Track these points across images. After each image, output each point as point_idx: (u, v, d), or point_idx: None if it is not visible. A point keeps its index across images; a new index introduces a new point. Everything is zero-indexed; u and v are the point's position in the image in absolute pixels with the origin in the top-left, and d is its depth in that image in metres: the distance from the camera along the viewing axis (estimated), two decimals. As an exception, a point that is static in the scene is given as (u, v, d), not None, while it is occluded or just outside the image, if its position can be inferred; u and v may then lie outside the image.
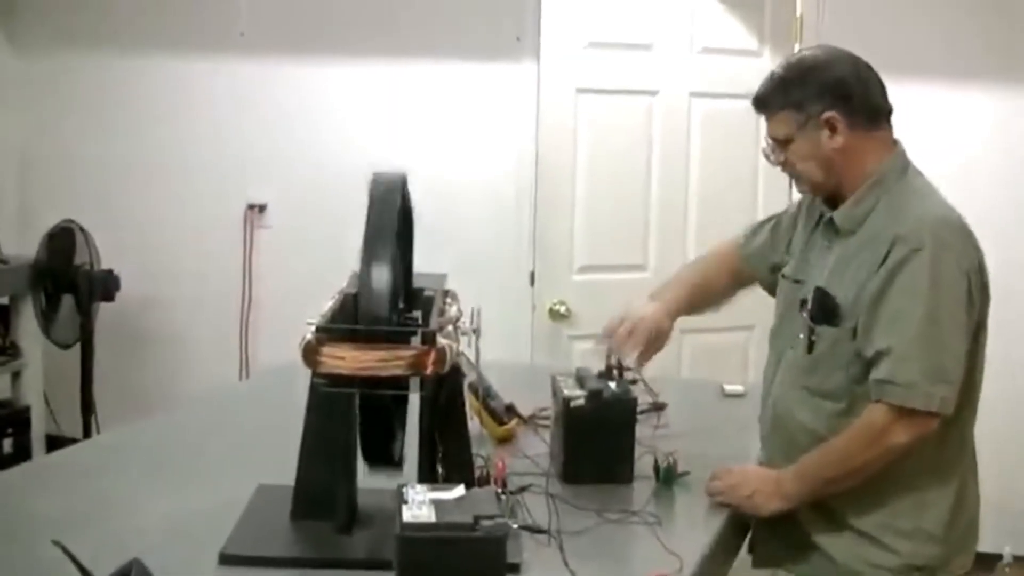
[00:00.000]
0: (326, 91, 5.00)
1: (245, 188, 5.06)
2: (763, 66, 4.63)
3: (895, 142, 2.59)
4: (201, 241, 5.12)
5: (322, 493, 2.18)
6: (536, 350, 4.61)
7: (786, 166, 2.60)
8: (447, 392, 2.26)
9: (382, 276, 2.04)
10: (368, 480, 2.19)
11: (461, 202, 4.85)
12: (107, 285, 4.82)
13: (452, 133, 4.96)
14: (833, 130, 2.50)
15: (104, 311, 4.91)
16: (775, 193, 4.74)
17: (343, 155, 4.88)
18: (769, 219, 2.95)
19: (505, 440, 2.81)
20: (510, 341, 4.57)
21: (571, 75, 4.56)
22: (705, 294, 3.01)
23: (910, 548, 2.49)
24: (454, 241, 4.57)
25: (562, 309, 4.58)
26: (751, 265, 2.93)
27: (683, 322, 4.48)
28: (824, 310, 2.51)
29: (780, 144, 2.57)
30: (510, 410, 2.87)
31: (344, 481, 2.18)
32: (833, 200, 2.59)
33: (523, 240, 4.81)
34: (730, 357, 4.76)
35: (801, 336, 2.56)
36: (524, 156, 4.80)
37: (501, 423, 2.82)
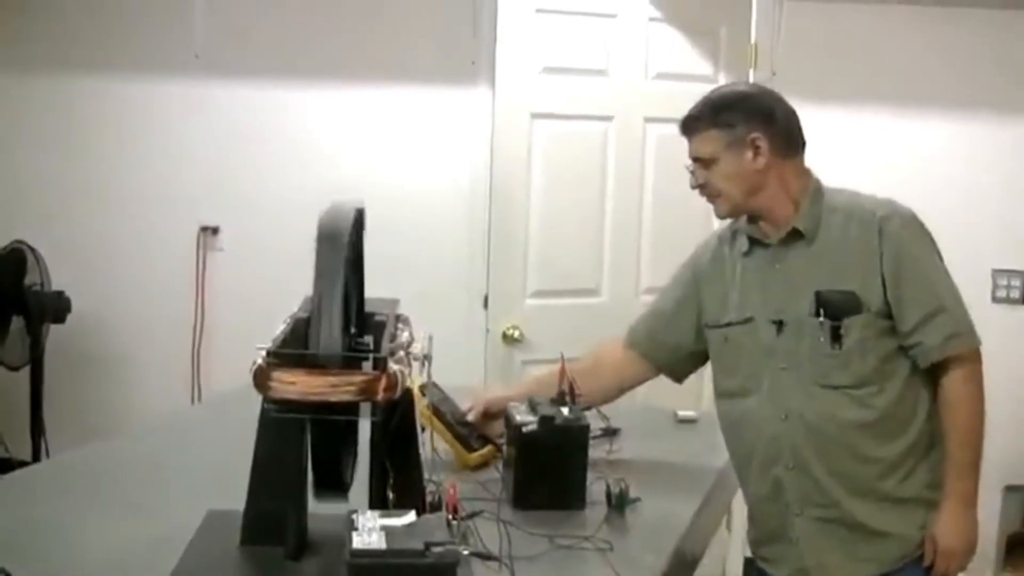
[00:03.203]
0: (280, 114, 4.97)
1: (198, 210, 5.01)
2: None
3: (808, 169, 2.78)
4: (153, 263, 5.06)
5: (272, 519, 2.15)
6: (489, 375, 4.59)
7: (706, 188, 2.76)
8: (399, 418, 2.25)
9: (333, 301, 2.03)
10: (319, 506, 2.17)
11: (415, 226, 4.84)
12: (58, 307, 4.76)
13: (407, 157, 4.95)
14: (757, 151, 2.68)
15: (55, 333, 4.86)
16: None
17: (297, 178, 4.86)
18: (658, 304, 3.05)
19: (477, 466, 2.80)
20: (463, 366, 4.55)
21: (526, 100, 4.57)
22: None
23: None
24: (408, 265, 4.57)
25: (515, 333, 4.57)
26: (642, 353, 3.01)
27: None
28: (843, 304, 2.65)
29: (703, 164, 2.73)
30: (482, 437, 2.85)
31: (294, 507, 2.16)
32: (770, 219, 2.74)
33: (477, 264, 4.80)
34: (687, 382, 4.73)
35: (822, 340, 2.66)
36: (479, 180, 4.80)
37: (471, 449, 2.81)
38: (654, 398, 4.52)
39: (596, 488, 2.59)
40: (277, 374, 2.00)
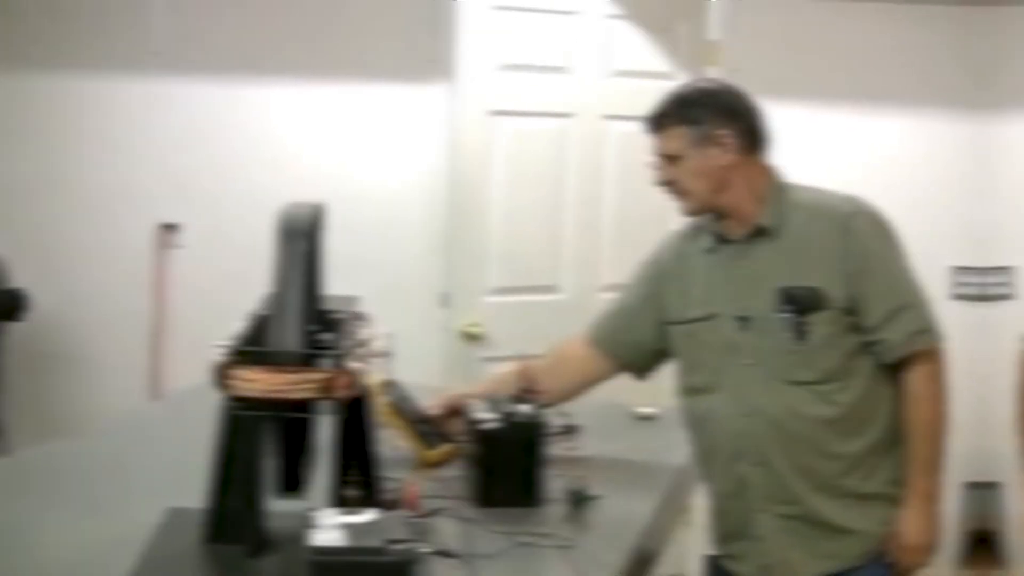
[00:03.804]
0: (239, 111, 4.95)
1: (157, 208, 4.99)
2: None
3: (772, 167, 2.80)
4: (112, 261, 5.03)
5: (233, 517, 2.15)
6: (449, 373, 4.57)
7: (672, 185, 2.77)
8: (358, 415, 2.26)
9: (292, 299, 2.04)
10: (280, 504, 2.17)
11: (375, 223, 4.84)
12: (16, 304, 4.73)
13: (366, 154, 4.95)
14: (723, 148, 2.70)
15: (14, 331, 4.83)
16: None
17: (257, 175, 4.85)
18: (620, 301, 3.05)
19: (438, 464, 2.78)
20: (423, 363, 4.52)
21: (485, 97, 4.56)
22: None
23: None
24: (368, 263, 4.57)
25: (475, 331, 4.56)
26: (606, 351, 3.01)
27: None
28: (807, 300, 2.66)
29: (670, 160, 2.75)
30: (442, 435, 2.84)
31: (254, 505, 2.16)
32: (734, 216, 2.75)
33: (436, 261, 4.80)
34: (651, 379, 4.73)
35: (786, 335, 2.66)
36: (437, 178, 4.80)
37: (430, 447, 2.80)
38: (614, 394, 4.60)
39: (556, 486, 2.59)
40: (237, 372, 2.01)
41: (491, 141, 4.58)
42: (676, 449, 2.95)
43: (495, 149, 4.59)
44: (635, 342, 2.97)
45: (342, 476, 2.24)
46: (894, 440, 2.72)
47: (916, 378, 2.68)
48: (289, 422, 2.09)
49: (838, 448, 2.69)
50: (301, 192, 4.67)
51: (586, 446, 2.91)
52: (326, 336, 2.23)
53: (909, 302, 2.68)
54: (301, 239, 2.10)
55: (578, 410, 3.07)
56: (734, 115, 2.73)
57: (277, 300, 2.04)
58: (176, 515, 2.31)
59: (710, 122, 2.71)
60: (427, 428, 2.84)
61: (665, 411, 3.24)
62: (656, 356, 2.97)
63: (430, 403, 2.89)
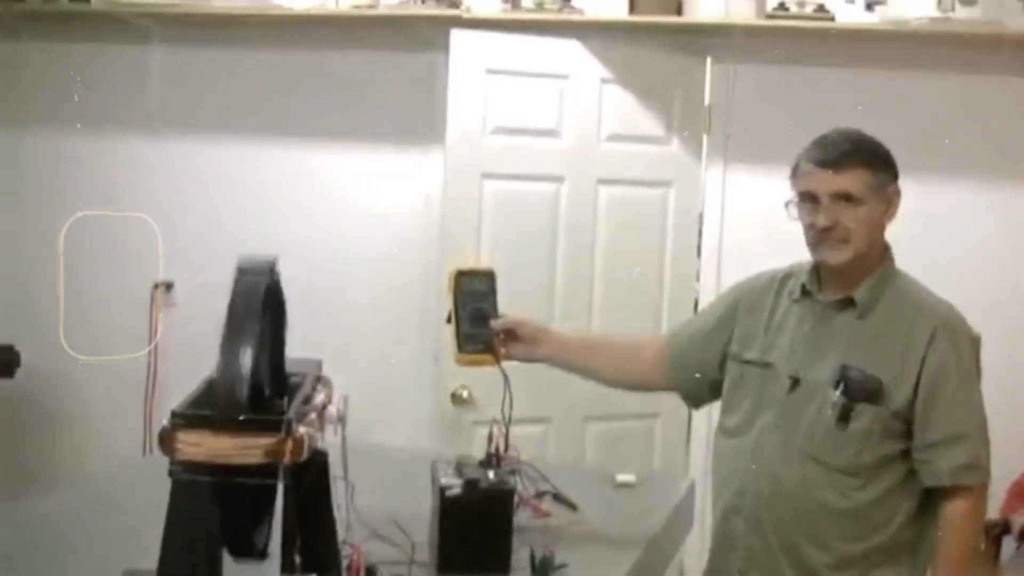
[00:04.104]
0: (233, 172, 4.98)
1: (151, 266, 4.98)
2: (671, 154, 4.69)
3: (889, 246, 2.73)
4: (106, 319, 5.04)
5: (181, 581, 2.12)
6: (439, 436, 4.54)
7: (834, 229, 2.62)
8: (311, 480, 2.22)
9: (241, 362, 2.01)
10: (234, 570, 2.13)
11: (366, 286, 4.86)
12: (6, 361, 4.72)
13: (357, 216, 4.96)
14: (891, 207, 2.64)
15: (3, 388, 4.82)
16: (682, 281, 4.75)
17: (251, 234, 4.85)
18: (699, 319, 3.04)
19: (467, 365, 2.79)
20: (412, 426, 4.60)
21: (476, 160, 4.52)
22: (602, 354, 2.98)
23: None
24: (359, 326, 4.65)
25: (465, 394, 4.51)
26: (673, 359, 2.95)
27: (586, 409, 4.52)
28: (865, 388, 2.58)
29: (842, 201, 2.61)
30: (486, 344, 2.80)
31: (207, 571, 2.12)
32: (841, 277, 2.66)
33: (427, 324, 4.76)
34: (634, 445, 4.73)
35: (829, 412, 2.59)
36: (429, 240, 4.78)
37: (464, 350, 2.80)
38: (604, 461, 4.56)
39: (522, 554, 2.53)
40: (183, 435, 1.98)
41: (481, 204, 4.54)
42: (652, 517, 2.89)
43: (485, 212, 4.55)
44: (698, 367, 2.91)
45: (293, 542, 2.20)
46: (897, 552, 2.65)
47: (953, 513, 2.60)
48: (239, 488, 2.05)
49: (837, 544, 2.63)
50: (294, 252, 4.79)
51: (557, 513, 2.87)
52: (279, 400, 2.22)
53: (968, 432, 2.60)
54: (254, 300, 2.07)
55: (556, 475, 3.01)
56: (897, 178, 2.68)
57: (225, 363, 2.01)
58: (128, 578, 2.28)
59: (888, 175, 2.65)
60: (474, 331, 2.78)
61: (645, 478, 3.19)
62: (713, 387, 2.91)
63: (502, 316, 2.79)
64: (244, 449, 1.97)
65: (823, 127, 4.74)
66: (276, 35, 4.98)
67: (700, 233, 4.86)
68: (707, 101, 4.84)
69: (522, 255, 4.60)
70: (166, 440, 1.98)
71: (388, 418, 4.60)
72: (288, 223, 4.90)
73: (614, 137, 4.72)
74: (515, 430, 2.77)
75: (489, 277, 2.79)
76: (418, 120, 4.85)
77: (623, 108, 4.71)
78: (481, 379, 4.50)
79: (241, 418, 1.98)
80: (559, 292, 4.69)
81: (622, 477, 3.33)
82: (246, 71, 4.98)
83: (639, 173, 4.72)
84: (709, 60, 4.82)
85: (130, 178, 5.00)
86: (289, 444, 1.98)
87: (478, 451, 2.84)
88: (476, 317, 2.78)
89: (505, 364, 2.83)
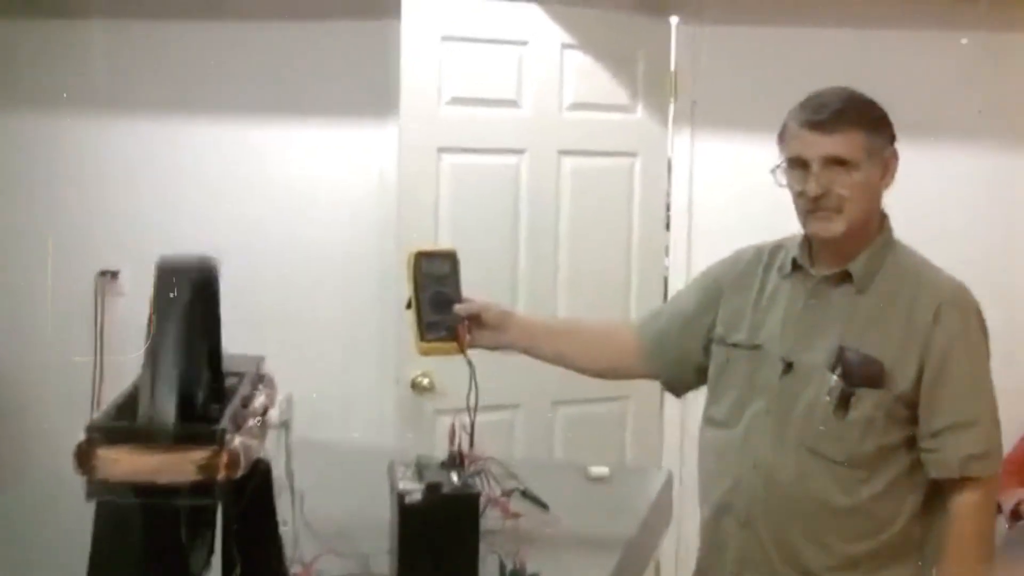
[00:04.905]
0: (179, 152, 4.74)
1: (96, 254, 4.77)
2: (637, 122, 4.50)
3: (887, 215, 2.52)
4: (46, 309, 4.82)
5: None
6: (399, 427, 4.35)
7: (826, 197, 2.41)
8: (252, 495, 2.00)
9: (166, 365, 1.79)
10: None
11: (321, 270, 4.65)
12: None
13: (307, 196, 4.72)
14: (889, 171, 2.42)
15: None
16: (650, 256, 4.59)
17: (199, 218, 4.63)
18: (675, 303, 2.83)
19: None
20: (373, 416, 4.44)
21: (432, 133, 4.31)
22: (573, 339, 2.81)
23: None
24: (309, 312, 4.48)
25: (426, 382, 4.30)
26: (651, 346, 2.74)
27: (554, 393, 4.36)
28: (864, 371, 2.37)
29: (835, 166, 2.40)
30: (450, 331, 2.64)
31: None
32: (835, 250, 2.46)
33: (384, 309, 4.54)
34: (606, 430, 4.58)
35: (826, 399, 2.39)
36: (384, 219, 4.56)
37: (424, 338, 2.64)
38: (574, 448, 4.39)
39: (490, 562, 2.33)
40: (102, 452, 1.76)
41: (439, 179, 4.33)
42: (629, 516, 2.69)
43: (443, 188, 4.34)
44: (679, 354, 2.70)
45: (231, 565, 1.98)
46: (896, 555, 2.45)
47: (963, 506, 2.40)
48: (168, 508, 1.83)
49: (837, 543, 2.43)
50: (245, 236, 4.60)
51: (528, 514, 2.67)
52: (214, 406, 1.99)
53: (977, 418, 2.40)
54: (179, 296, 1.84)
55: (526, 470, 2.82)
56: (894, 136, 2.47)
57: (148, 367, 1.78)
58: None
59: (885, 138, 2.44)
60: (437, 317, 2.62)
61: (618, 470, 3.00)
62: (698, 374, 2.70)
63: (466, 300, 2.62)
64: (172, 466, 1.76)
65: (794, 90, 4.53)
66: (216, 5, 4.74)
67: (668, 205, 4.68)
68: (673, 65, 4.65)
69: (482, 232, 4.41)
70: (82, 457, 1.76)
71: (345, 410, 4.44)
72: (233, 205, 4.68)
73: (576, 106, 4.51)
74: (481, 418, 2.58)
75: (451, 258, 2.63)
76: (370, 92, 4.60)
77: (585, 75, 4.52)
78: (443, 365, 4.27)
79: (168, 430, 1.76)
80: (522, 270, 4.50)
81: (595, 470, 3.13)
82: (185, 45, 4.74)
83: (603, 143, 4.56)
84: (675, 21, 4.64)
85: (69, 159, 4.77)
86: (224, 458, 1.76)
87: (442, 442, 2.63)
88: (438, 302, 2.62)
89: (470, 352, 2.65)
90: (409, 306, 2.62)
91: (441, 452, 2.55)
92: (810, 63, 4.39)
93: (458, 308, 2.59)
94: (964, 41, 4.34)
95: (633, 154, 4.60)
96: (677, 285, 4.55)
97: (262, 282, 4.51)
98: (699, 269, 4.38)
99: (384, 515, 2.44)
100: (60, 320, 4.83)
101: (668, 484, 3.02)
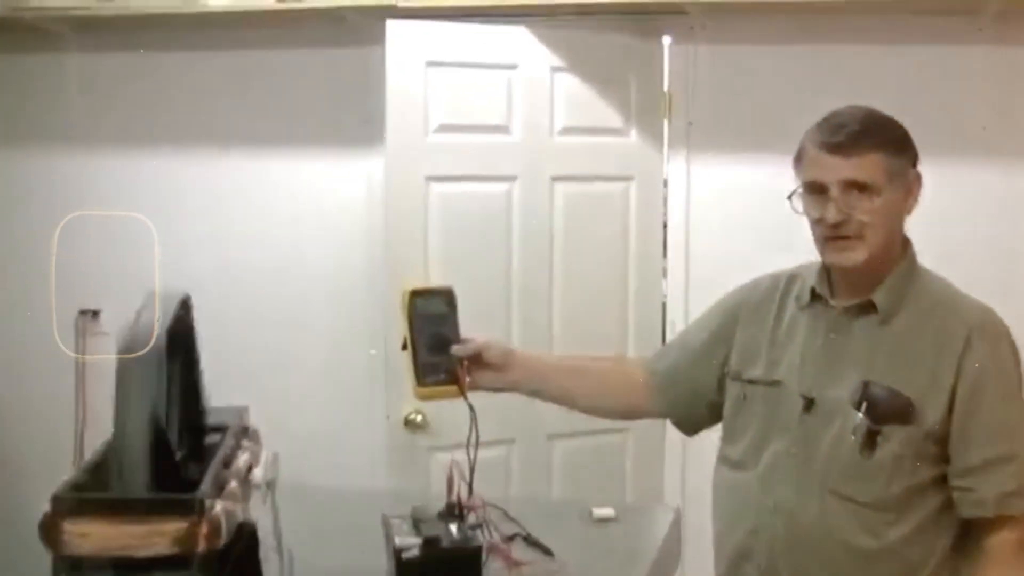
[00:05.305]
0: (159, 187, 4.64)
1: (76, 293, 4.66)
2: (631, 145, 4.39)
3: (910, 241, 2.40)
4: (29, 349, 4.72)
5: None
6: (393, 466, 4.22)
7: (847, 224, 2.29)
8: (236, 564, 1.85)
9: (138, 426, 1.64)
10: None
11: (303, 307, 4.54)
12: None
13: (291, 228, 4.63)
14: (912, 195, 2.31)
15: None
16: (648, 283, 4.48)
17: (181, 255, 4.47)
18: (687, 336, 2.67)
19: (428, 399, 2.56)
20: (364, 454, 4.32)
21: (419, 162, 4.18)
22: (580, 379, 2.68)
23: None
24: (295, 350, 4.41)
25: (418, 419, 4.16)
26: (660, 383, 2.63)
27: (551, 426, 4.24)
28: (891, 407, 2.25)
29: (856, 190, 2.27)
30: (451, 375, 2.50)
31: None
32: (856, 279, 2.34)
33: (374, 345, 4.43)
34: (605, 463, 4.44)
35: (851, 438, 2.26)
36: (372, 252, 4.45)
37: (423, 383, 2.50)
38: (572, 484, 4.25)
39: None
40: (69, 525, 1.61)
41: (427, 209, 4.20)
42: (636, 562, 2.53)
43: (432, 218, 4.21)
44: (690, 390, 2.59)
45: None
46: None
47: (999, 547, 2.27)
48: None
49: None
50: (227, 273, 4.48)
51: (531, 563, 2.52)
52: (193, 467, 1.85)
53: (1013, 452, 2.26)
54: (148, 353, 1.70)
55: (525, 511, 2.65)
56: (916, 156, 2.36)
57: (119, 429, 1.64)
58: None
59: (908, 158, 2.32)
60: (434, 359, 2.48)
61: (623, 511, 2.85)
62: (711, 411, 2.58)
63: (464, 340, 2.50)
64: (147, 539, 1.61)
65: (792, 109, 4.44)
66: (198, 37, 4.65)
67: (665, 228, 4.54)
68: (666, 86, 4.51)
69: (474, 263, 4.26)
70: (47, 530, 1.61)
71: (335, 451, 4.35)
72: (215, 240, 4.60)
73: (568, 130, 4.38)
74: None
75: (447, 296, 2.52)
76: (354, 122, 4.50)
77: (577, 98, 4.38)
78: (436, 402, 4.20)
79: (141, 499, 1.61)
80: (516, 301, 4.36)
81: (599, 512, 2.98)
82: (168, 78, 4.65)
83: (597, 168, 4.43)
84: (667, 41, 4.49)
85: (44, 197, 4.66)
86: (204, 528, 1.62)
87: (437, 480, 2.58)
88: (435, 343, 2.49)
89: (470, 395, 2.52)
90: (405, 347, 2.49)
91: (436, 491, 2.44)
92: (808, 81, 4.30)
93: (456, 349, 2.46)
94: (967, 56, 4.22)
95: (628, 178, 4.47)
96: (676, 311, 4.44)
97: (246, 317, 4.42)
98: (697, 294, 4.35)
99: (379, 566, 2.31)
100: (41, 360, 4.72)
101: (676, 523, 2.88)
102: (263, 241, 4.61)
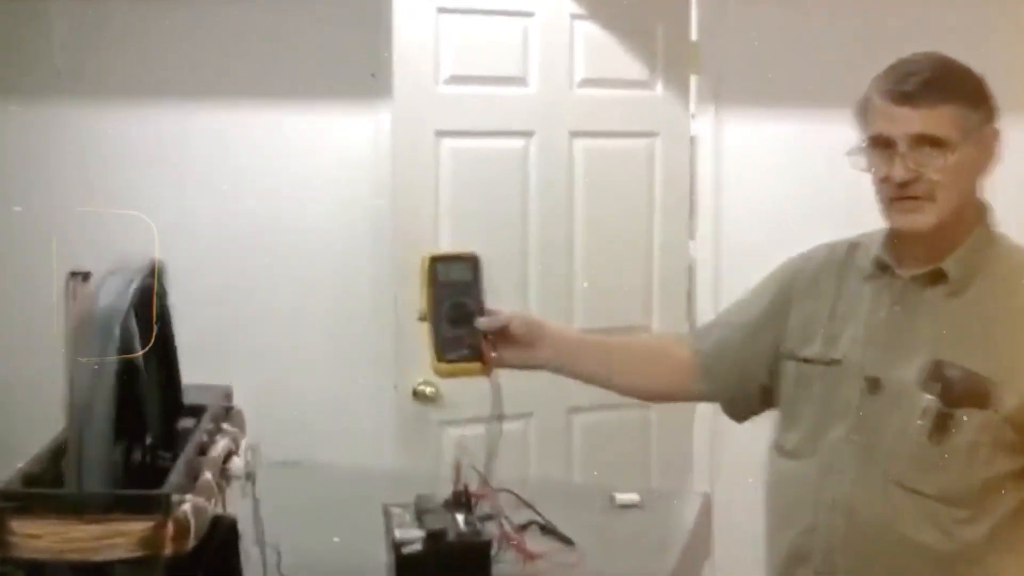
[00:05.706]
0: (154, 141, 4.43)
1: (66, 253, 4.46)
2: (656, 99, 4.23)
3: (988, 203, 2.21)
4: (17, 312, 4.52)
5: None
6: (401, 441, 4.06)
7: (917, 183, 2.09)
8: (211, 563, 1.63)
9: (97, 418, 1.43)
10: None
11: (305, 272, 4.34)
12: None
13: (292, 187, 4.42)
14: (990, 153, 2.11)
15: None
16: (674, 246, 4.34)
17: (178, 212, 4.29)
18: (733, 313, 2.48)
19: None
20: (370, 428, 4.13)
21: (429, 116, 4.02)
22: (618, 358, 2.50)
23: None
24: (298, 317, 4.21)
25: (428, 391, 3.99)
26: (707, 364, 2.43)
27: (571, 400, 4.04)
28: (966, 389, 2.05)
29: (927, 146, 2.07)
30: (475, 350, 2.31)
31: None
32: (926, 245, 2.15)
33: (382, 308, 4.22)
34: (628, 439, 4.28)
35: (920, 422, 2.06)
36: (378, 212, 4.26)
37: (443, 358, 2.32)
38: (594, 461, 4.07)
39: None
40: (18, 524, 1.41)
41: (438, 167, 4.04)
42: (664, 552, 2.39)
43: (442, 176, 4.05)
44: (740, 371, 2.40)
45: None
46: None
47: None
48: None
49: None
50: (229, 231, 4.28)
51: (548, 555, 2.31)
52: (163, 455, 1.63)
53: None
54: (111, 328, 1.49)
55: (545, 497, 2.51)
56: (995, 109, 2.14)
57: (70, 416, 1.42)
58: None
59: (985, 111, 2.11)
60: (456, 332, 2.30)
61: (648, 496, 2.66)
62: (764, 395, 2.40)
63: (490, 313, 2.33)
64: (106, 540, 1.41)
65: (830, 62, 4.27)
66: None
67: (693, 188, 4.38)
68: (695, 36, 4.35)
69: (487, 224, 4.11)
70: (-7, 531, 1.40)
71: (337, 424, 4.15)
72: (211, 198, 4.37)
73: (589, 82, 4.21)
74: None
75: (472, 263, 2.36)
76: (360, 72, 4.28)
77: (598, 48, 4.22)
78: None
79: (98, 497, 1.41)
80: (532, 266, 4.20)
81: (622, 497, 2.79)
82: (160, 25, 4.44)
83: (619, 123, 4.27)
84: (695, -14, 4.36)
85: (36, 149, 4.47)
86: (170, 529, 1.41)
87: (447, 460, 2.41)
88: (458, 316, 2.31)
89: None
90: (423, 318, 2.32)
91: (446, 472, 2.29)
92: (847, 30, 4.12)
93: (481, 322, 2.29)
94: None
95: (653, 134, 4.31)
96: (704, 276, 4.30)
97: (247, 280, 4.24)
98: (727, 258, 4.17)
99: (379, 559, 2.15)
100: (27, 323, 4.55)
101: (705, 510, 2.73)
102: (262, 199, 4.40)
